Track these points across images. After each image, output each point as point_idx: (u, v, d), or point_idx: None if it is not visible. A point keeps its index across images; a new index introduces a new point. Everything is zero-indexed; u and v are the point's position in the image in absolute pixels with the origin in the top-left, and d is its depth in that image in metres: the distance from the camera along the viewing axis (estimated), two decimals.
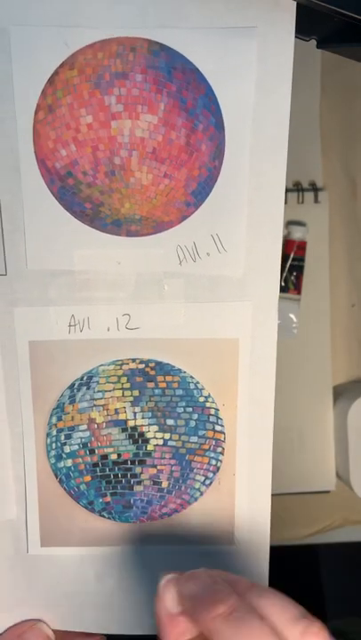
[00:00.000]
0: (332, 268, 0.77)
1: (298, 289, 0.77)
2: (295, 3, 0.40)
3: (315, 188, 0.76)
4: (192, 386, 0.46)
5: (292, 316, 0.77)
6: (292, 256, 0.76)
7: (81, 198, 0.42)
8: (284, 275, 0.76)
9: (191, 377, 0.46)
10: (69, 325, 0.44)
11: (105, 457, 0.45)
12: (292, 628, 0.33)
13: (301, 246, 0.76)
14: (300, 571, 0.85)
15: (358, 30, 0.40)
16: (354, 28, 0.40)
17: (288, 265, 0.76)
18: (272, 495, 0.47)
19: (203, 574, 0.37)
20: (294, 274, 0.76)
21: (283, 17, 0.41)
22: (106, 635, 0.48)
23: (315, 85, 0.73)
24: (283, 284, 0.76)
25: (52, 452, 0.45)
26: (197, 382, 0.46)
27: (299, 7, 0.41)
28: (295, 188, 0.76)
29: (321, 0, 0.38)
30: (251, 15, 0.41)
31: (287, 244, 0.76)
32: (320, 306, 0.77)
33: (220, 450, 0.47)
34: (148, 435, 0.46)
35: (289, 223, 0.76)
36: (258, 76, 0.42)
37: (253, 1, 0.40)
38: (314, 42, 0.44)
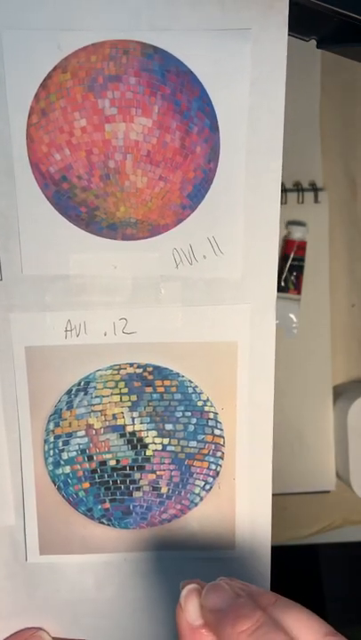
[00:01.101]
0: (332, 267, 0.76)
1: (298, 289, 0.76)
2: (288, 5, 0.40)
3: (315, 188, 0.75)
4: (190, 390, 0.45)
5: (292, 316, 0.76)
6: (292, 256, 0.75)
7: (76, 202, 0.42)
8: (284, 275, 0.76)
9: (190, 381, 0.45)
10: (66, 330, 0.43)
11: (104, 463, 0.45)
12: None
13: (301, 246, 0.76)
14: (300, 571, 0.85)
15: (358, 30, 0.40)
16: (354, 28, 0.40)
17: (288, 265, 0.75)
18: (272, 495, 0.47)
19: (225, 586, 0.36)
20: (294, 274, 0.76)
21: (277, 19, 0.40)
22: None
23: (315, 85, 0.73)
24: (283, 284, 0.76)
25: (50, 459, 0.45)
26: (196, 386, 0.45)
27: (299, 7, 0.41)
28: (295, 188, 0.75)
29: (321, 0, 0.38)
30: (245, 17, 0.40)
31: (287, 244, 0.76)
32: (320, 306, 0.77)
33: (219, 454, 0.46)
34: (147, 440, 0.45)
35: (289, 223, 0.76)
36: (252, 78, 0.41)
37: (247, 3, 0.40)
38: (314, 42, 0.44)
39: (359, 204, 0.77)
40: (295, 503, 0.77)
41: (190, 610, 0.37)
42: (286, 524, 0.77)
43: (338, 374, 0.78)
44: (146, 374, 0.45)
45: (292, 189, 0.75)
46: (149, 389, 0.45)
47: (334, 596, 0.85)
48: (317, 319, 0.77)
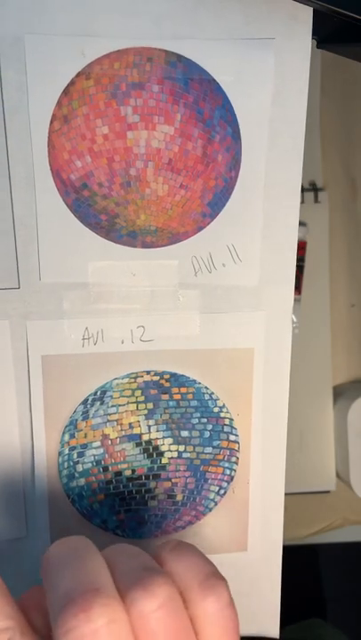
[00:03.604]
0: (332, 267, 0.76)
1: (298, 289, 0.76)
2: (312, 15, 0.40)
3: (315, 188, 0.75)
4: (207, 397, 0.45)
5: (292, 316, 0.76)
6: None
7: (96, 210, 0.41)
8: None
9: (206, 387, 0.45)
10: (83, 339, 0.43)
11: (119, 473, 0.45)
12: (196, 588, 0.29)
13: (301, 246, 0.75)
14: (300, 571, 0.85)
15: (358, 30, 0.40)
16: (354, 28, 0.40)
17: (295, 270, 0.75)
18: None
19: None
20: None
21: (300, 29, 0.40)
22: None
23: (315, 85, 0.73)
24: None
25: (64, 472, 0.44)
26: (212, 393, 0.45)
27: None
28: None
29: (321, 0, 0.38)
30: (268, 27, 0.40)
31: None
32: (320, 306, 0.77)
33: (234, 459, 0.46)
34: (163, 448, 0.45)
35: None
36: (275, 88, 0.41)
37: (271, 13, 0.40)
38: (314, 42, 0.44)
39: (359, 204, 0.77)
40: (295, 503, 0.77)
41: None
42: (286, 524, 0.77)
43: (338, 374, 0.78)
44: (163, 382, 0.45)
45: None
46: (166, 397, 0.45)
47: (334, 596, 0.86)
48: (317, 319, 0.77)
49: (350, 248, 0.77)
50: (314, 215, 0.76)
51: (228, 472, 0.46)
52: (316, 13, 0.40)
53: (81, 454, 0.44)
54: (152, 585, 0.28)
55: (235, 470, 0.46)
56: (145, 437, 0.45)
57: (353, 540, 0.79)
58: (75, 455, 0.44)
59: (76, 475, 0.45)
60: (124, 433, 0.45)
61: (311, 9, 0.40)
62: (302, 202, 0.75)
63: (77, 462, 0.44)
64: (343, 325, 0.78)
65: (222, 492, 0.46)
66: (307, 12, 0.40)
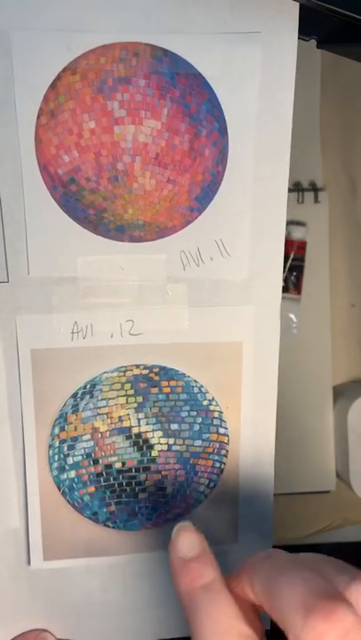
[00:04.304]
0: (332, 267, 0.76)
1: (298, 289, 0.76)
2: (298, 8, 0.40)
3: (315, 188, 0.75)
4: (196, 390, 0.45)
5: (292, 316, 0.76)
6: (292, 256, 0.75)
7: (84, 204, 0.42)
8: (284, 275, 0.76)
9: (195, 381, 0.45)
10: (72, 332, 0.43)
11: (109, 466, 0.45)
12: (339, 579, 0.29)
13: (301, 246, 0.75)
14: None
15: (358, 30, 0.40)
16: (354, 28, 0.40)
17: (288, 265, 0.75)
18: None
19: (288, 556, 0.32)
20: (294, 274, 0.76)
21: (286, 22, 0.41)
22: None
23: (315, 85, 0.73)
24: (283, 283, 0.76)
25: (55, 465, 0.45)
26: (201, 386, 0.45)
27: (300, 9, 0.41)
28: (295, 188, 0.75)
29: (321, 0, 0.38)
30: (255, 21, 0.40)
31: (287, 243, 0.76)
32: (320, 306, 0.77)
33: (223, 452, 0.46)
34: (153, 441, 0.45)
35: (289, 223, 0.76)
36: (261, 81, 0.41)
37: (257, 7, 0.40)
38: (314, 42, 0.44)
39: (359, 204, 0.77)
40: (295, 503, 0.77)
41: (180, 544, 0.35)
42: (286, 524, 0.77)
43: (338, 374, 0.78)
44: (152, 375, 0.45)
45: (292, 189, 0.75)
46: (155, 390, 0.45)
47: None
48: (317, 319, 0.77)
49: (350, 248, 0.77)
50: (314, 215, 0.76)
51: (217, 465, 0.46)
52: (315, 13, 0.40)
53: (71, 447, 0.45)
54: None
55: (224, 463, 0.46)
56: (135, 430, 0.45)
57: (353, 540, 0.79)
58: (65, 448, 0.45)
59: (67, 467, 0.45)
60: (113, 426, 0.45)
61: (297, 3, 0.40)
62: (302, 202, 0.75)
63: (68, 455, 0.45)
64: (343, 325, 0.78)
65: (212, 484, 0.47)
66: (293, 6, 0.40)
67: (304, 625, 0.28)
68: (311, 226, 0.76)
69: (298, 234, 0.75)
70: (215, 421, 0.46)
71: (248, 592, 0.32)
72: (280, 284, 0.45)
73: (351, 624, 0.27)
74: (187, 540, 0.35)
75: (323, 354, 0.78)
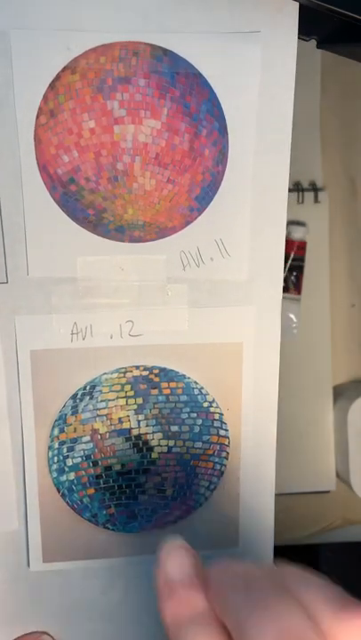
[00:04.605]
0: (333, 268, 0.76)
1: (298, 289, 0.76)
2: (298, 8, 0.40)
3: (315, 188, 0.75)
4: (196, 391, 0.45)
5: (292, 316, 0.76)
6: (292, 256, 0.75)
7: (84, 205, 0.41)
8: (284, 275, 0.76)
9: (195, 382, 0.45)
10: (72, 333, 0.43)
11: (109, 468, 0.45)
12: (328, 609, 0.26)
13: (301, 246, 0.75)
14: None
15: (358, 30, 0.40)
16: (354, 28, 0.40)
17: (288, 265, 0.75)
18: None
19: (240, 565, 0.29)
20: (294, 274, 0.76)
21: (286, 22, 0.40)
22: None
23: (315, 85, 0.73)
24: (283, 283, 0.76)
25: (54, 466, 0.44)
26: (202, 387, 0.45)
27: (300, 7, 0.40)
28: (295, 188, 0.75)
29: (321, 0, 0.38)
30: (254, 20, 0.40)
31: (287, 243, 0.75)
32: (320, 306, 0.77)
33: (224, 454, 0.46)
34: (153, 442, 0.45)
35: (289, 223, 0.75)
36: (261, 81, 0.41)
37: (257, 6, 0.40)
38: (314, 42, 0.44)
39: (359, 204, 0.77)
40: (295, 503, 0.77)
41: (169, 564, 0.30)
42: (286, 524, 0.77)
43: (338, 374, 0.78)
44: (152, 376, 0.45)
45: (292, 189, 0.75)
46: (155, 392, 0.45)
47: None
48: (317, 319, 0.77)
49: (350, 248, 0.77)
50: (314, 215, 0.76)
51: (218, 467, 0.46)
52: (316, 13, 0.40)
53: (71, 449, 0.45)
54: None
55: (225, 465, 0.46)
56: (135, 432, 0.45)
57: (353, 540, 0.79)
58: (64, 449, 0.44)
59: (66, 469, 0.45)
60: (113, 428, 0.45)
61: (297, 3, 0.40)
62: (302, 202, 0.75)
63: (67, 456, 0.45)
64: (343, 325, 0.78)
65: (212, 486, 0.46)
66: (293, 5, 0.40)
67: (248, 630, 0.26)
68: (311, 226, 0.75)
69: (298, 234, 0.75)
70: (216, 423, 0.46)
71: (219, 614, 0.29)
72: (281, 284, 0.45)
73: (299, 630, 0.25)
74: (176, 561, 0.30)
75: (323, 354, 0.78)
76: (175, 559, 0.30)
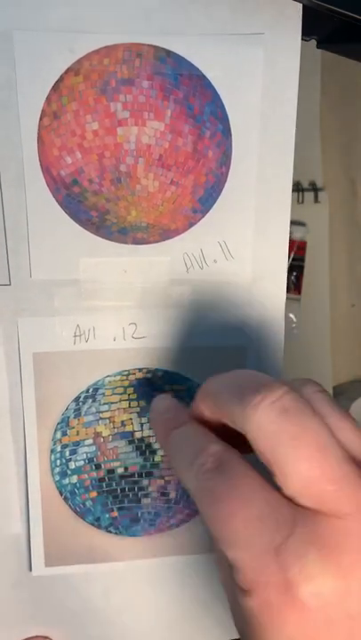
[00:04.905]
0: (333, 268, 0.76)
1: (298, 289, 0.76)
2: (301, 9, 0.40)
3: (315, 188, 0.75)
4: None
5: (292, 316, 0.76)
6: (292, 256, 0.75)
7: (87, 206, 0.41)
8: None
9: (199, 385, 0.45)
10: (75, 336, 0.43)
11: (111, 471, 0.45)
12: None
13: (301, 246, 0.75)
14: None
15: (358, 30, 0.40)
16: (354, 28, 0.40)
17: (288, 265, 0.75)
18: None
19: (235, 372, 0.34)
20: (294, 274, 0.76)
21: (289, 23, 0.40)
22: None
23: (315, 85, 0.73)
24: None
25: (57, 469, 0.44)
26: None
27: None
28: (295, 188, 0.75)
29: (321, 0, 0.38)
30: (258, 22, 0.40)
31: None
32: (320, 306, 0.77)
33: None
34: (156, 446, 0.45)
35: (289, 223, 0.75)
36: (265, 83, 0.41)
37: (260, 8, 0.40)
38: (314, 42, 0.44)
39: (359, 204, 0.77)
40: None
41: (159, 406, 0.37)
42: None
43: (338, 374, 0.78)
44: (155, 379, 0.45)
45: (292, 189, 0.74)
46: (158, 394, 0.45)
47: None
48: (317, 319, 0.77)
49: (350, 248, 0.77)
50: (314, 215, 0.76)
51: None
52: (315, 13, 0.40)
53: (73, 452, 0.44)
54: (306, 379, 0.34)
55: None
56: (137, 435, 0.45)
57: None
58: (67, 453, 0.44)
59: (69, 472, 0.44)
60: (116, 431, 0.45)
61: (300, 4, 0.40)
62: (302, 202, 0.75)
63: (70, 460, 0.44)
64: (343, 325, 0.78)
65: None
66: (296, 7, 0.40)
67: (240, 405, 0.30)
68: (311, 226, 0.75)
69: (298, 234, 0.75)
70: None
71: (206, 412, 0.34)
72: (284, 286, 0.44)
73: (285, 391, 0.29)
74: (164, 404, 0.37)
75: (323, 354, 0.77)
76: (162, 401, 0.38)
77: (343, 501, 0.27)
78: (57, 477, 0.44)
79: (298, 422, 0.28)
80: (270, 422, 0.29)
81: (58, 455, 0.44)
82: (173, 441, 0.34)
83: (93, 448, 0.44)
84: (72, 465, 0.44)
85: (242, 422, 0.30)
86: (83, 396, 0.44)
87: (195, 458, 0.31)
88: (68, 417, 0.44)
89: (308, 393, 0.32)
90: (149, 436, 0.45)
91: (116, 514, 0.45)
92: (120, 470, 0.45)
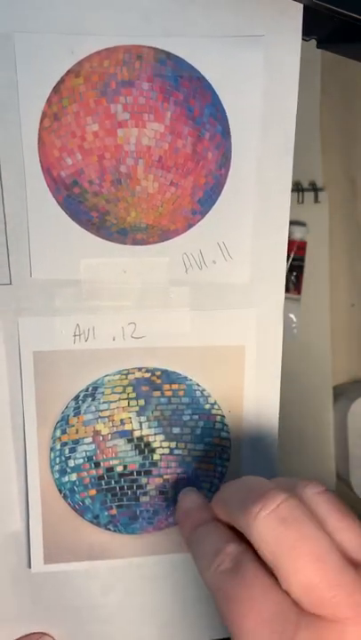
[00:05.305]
0: (332, 268, 0.76)
1: (298, 289, 0.76)
2: (302, 11, 0.40)
3: (315, 188, 0.75)
4: (198, 393, 0.45)
5: (292, 316, 0.76)
6: (292, 256, 0.75)
7: (87, 207, 0.41)
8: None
9: (197, 384, 0.45)
10: (74, 335, 0.43)
11: (110, 469, 0.45)
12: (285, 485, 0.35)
13: (301, 246, 0.75)
14: None
15: (358, 30, 0.40)
16: (354, 28, 0.40)
17: (288, 265, 0.75)
18: None
19: (246, 480, 0.37)
20: (294, 274, 0.76)
21: (289, 24, 0.40)
22: None
23: (315, 85, 0.73)
24: None
25: (56, 467, 0.45)
26: (203, 390, 0.45)
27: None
28: (295, 188, 0.75)
29: (321, 0, 0.38)
30: (258, 24, 0.40)
31: (287, 244, 0.75)
32: (320, 306, 0.77)
33: (225, 456, 0.46)
34: (155, 444, 0.45)
35: (289, 223, 0.75)
36: (264, 85, 0.41)
37: (260, 9, 0.40)
38: (314, 42, 0.44)
39: (359, 203, 0.77)
40: None
41: (184, 501, 0.42)
42: None
43: (338, 374, 0.78)
44: (154, 378, 0.45)
45: (292, 189, 0.75)
46: (157, 394, 0.45)
47: None
48: (317, 319, 0.77)
49: (350, 248, 0.77)
50: (314, 215, 0.76)
51: (219, 469, 0.46)
52: (315, 13, 0.40)
53: (72, 450, 0.45)
54: (309, 481, 0.35)
55: (226, 467, 0.46)
56: (136, 434, 0.45)
57: None
58: (66, 451, 0.45)
59: (68, 470, 0.45)
60: (115, 429, 0.45)
61: (301, 5, 0.40)
62: (302, 202, 0.75)
63: (69, 458, 0.45)
64: (343, 325, 0.78)
65: (214, 488, 0.46)
66: (296, 9, 0.40)
67: (243, 515, 0.33)
68: (311, 226, 0.75)
69: (298, 234, 0.75)
70: (217, 425, 0.46)
71: (221, 517, 0.38)
72: (283, 287, 0.45)
73: (283, 499, 0.32)
74: (189, 498, 0.42)
75: (323, 354, 0.78)
76: (189, 496, 0.42)
77: (342, 607, 0.30)
78: (56, 475, 0.45)
79: (296, 530, 0.31)
80: (270, 531, 0.31)
81: (57, 453, 0.45)
82: (196, 539, 0.37)
83: (93, 446, 0.45)
84: (71, 463, 0.45)
85: (246, 531, 0.33)
86: (82, 394, 0.44)
87: (214, 557, 0.34)
88: (68, 415, 0.44)
89: (308, 496, 0.34)
90: (148, 435, 0.45)
91: (114, 511, 0.45)
92: (119, 468, 0.45)
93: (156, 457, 0.45)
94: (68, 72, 0.39)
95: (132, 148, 0.41)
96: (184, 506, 0.41)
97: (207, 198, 0.42)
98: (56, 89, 0.39)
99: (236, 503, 0.35)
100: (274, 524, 0.31)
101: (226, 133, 0.41)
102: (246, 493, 0.34)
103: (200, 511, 0.40)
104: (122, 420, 0.45)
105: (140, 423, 0.45)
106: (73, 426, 0.44)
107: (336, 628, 0.30)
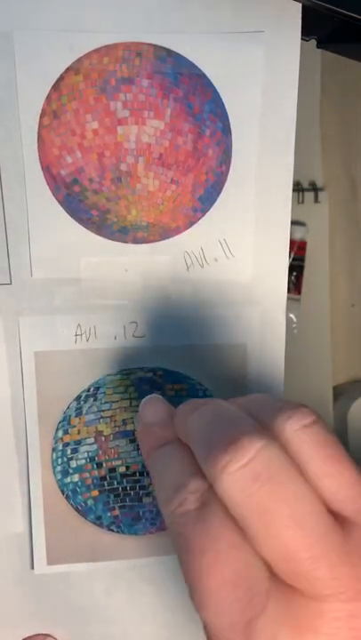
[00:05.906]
0: (333, 267, 0.76)
1: (298, 289, 0.76)
2: (301, 8, 0.40)
3: (315, 188, 0.75)
4: (200, 393, 0.45)
5: (292, 316, 0.76)
6: (292, 256, 0.75)
7: (87, 205, 0.41)
8: None
9: (199, 384, 0.45)
10: (76, 335, 0.43)
11: (113, 470, 0.45)
12: (265, 412, 0.28)
13: (301, 246, 0.75)
14: None
15: (358, 30, 0.40)
16: (354, 28, 0.40)
17: (288, 265, 0.75)
18: None
19: (223, 403, 0.31)
20: (294, 274, 0.76)
21: (289, 22, 0.40)
22: None
23: (315, 85, 0.73)
24: None
25: (58, 468, 0.44)
26: (206, 389, 0.45)
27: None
28: (295, 188, 0.75)
29: (321, 0, 0.38)
30: (258, 20, 0.40)
31: None
32: (320, 306, 0.77)
33: None
34: None
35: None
36: (264, 81, 0.41)
37: (260, 6, 0.40)
38: (314, 42, 0.44)
39: (359, 204, 0.77)
40: None
41: (146, 411, 0.35)
42: None
43: (338, 374, 0.78)
44: (156, 378, 0.45)
45: (293, 189, 0.75)
46: (159, 393, 0.45)
47: None
48: (317, 319, 0.77)
49: (350, 248, 0.77)
50: (314, 215, 0.76)
51: None
52: (315, 13, 0.40)
53: (75, 450, 0.44)
54: (293, 409, 0.28)
55: None
56: None
57: None
58: (68, 451, 0.44)
59: (70, 471, 0.44)
60: (117, 429, 0.45)
61: (300, 3, 0.40)
62: (302, 202, 0.75)
63: (71, 458, 0.44)
64: (343, 325, 0.78)
65: None
66: (296, 5, 0.40)
67: (208, 462, 0.27)
68: (311, 226, 0.75)
69: (298, 234, 0.75)
70: None
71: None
72: (285, 284, 0.45)
73: (257, 450, 0.26)
74: (152, 409, 0.35)
75: (323, 354, 0.77)
76: (151, 406, 0.36)
77: (322, 582, 0.25)
78: (59, 476, 0.44)
79: (271, 490, 0.25)
80: (239, 491, 0.26)
81: (59, 454, 0.44)
82: (155, 463, 0.32)
83: (95, 447, 0.44)
84: (73, 463, 0.44)
85: (211, 479, 0.27)
86: (84, 394, 0.44)
87: (174, 493, 0.29)
88: (70, 415, 0.44)
89: (290, 433, 0.27)
90: None
91: (117, 512, 0.45)
92: (121, 469, 0.45)
93: None
94: (68, 69, 0.39)
95: (132, 146, 0.40)
96: (145, 419, 0.35)
97: (208, 195, 0.42)
98: (55, 86, 0.39)
99: (200, 439, 0.29)
100: (244, 483, 0.25)
101: (226, 130, 0.41)
102: (215, 429, 0.28)
103: (164, 428, 0.34)
104: (124, 420, 0.45)
105: None
106: (75, 426, 0.44)
107: (311, 606, 0.25)
